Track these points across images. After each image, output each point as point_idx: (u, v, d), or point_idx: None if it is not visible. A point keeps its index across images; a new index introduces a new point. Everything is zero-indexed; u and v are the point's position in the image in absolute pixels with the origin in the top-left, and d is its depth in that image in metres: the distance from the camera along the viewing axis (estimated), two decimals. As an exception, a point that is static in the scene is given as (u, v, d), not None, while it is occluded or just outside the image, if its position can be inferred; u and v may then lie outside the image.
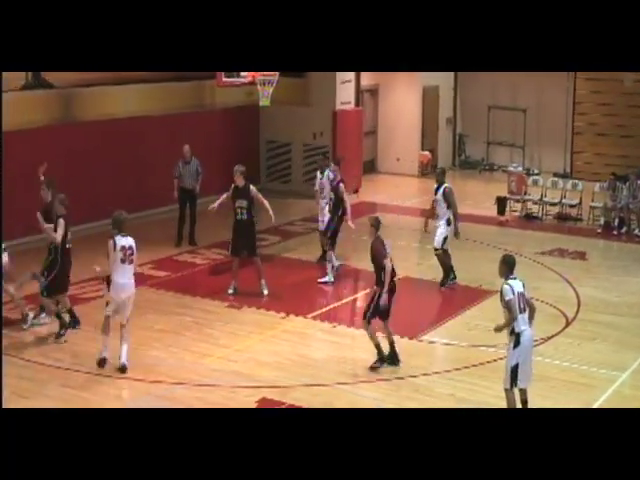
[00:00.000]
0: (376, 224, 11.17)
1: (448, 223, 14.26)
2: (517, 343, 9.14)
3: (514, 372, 9.19)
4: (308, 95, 21.71)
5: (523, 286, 9.30)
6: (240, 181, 13.89)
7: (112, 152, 18.32)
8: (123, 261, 10.88)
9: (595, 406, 10.21)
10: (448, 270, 14.43)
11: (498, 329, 9.23)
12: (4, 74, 16.25)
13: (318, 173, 16.00)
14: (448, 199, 14.33)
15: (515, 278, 9.32)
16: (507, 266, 9.43)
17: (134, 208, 18.48)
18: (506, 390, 9.29)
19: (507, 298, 9.12)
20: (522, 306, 9.16)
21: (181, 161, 17.35)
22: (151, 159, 19.22)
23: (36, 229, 12.46)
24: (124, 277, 10.94)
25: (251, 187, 14.01)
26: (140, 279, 14.64)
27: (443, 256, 14.36)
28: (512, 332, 9.14)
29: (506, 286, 9.20)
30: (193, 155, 17.51)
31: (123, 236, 10.95)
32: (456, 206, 14.44)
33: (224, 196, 14.26)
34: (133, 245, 11.00)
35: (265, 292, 13.88)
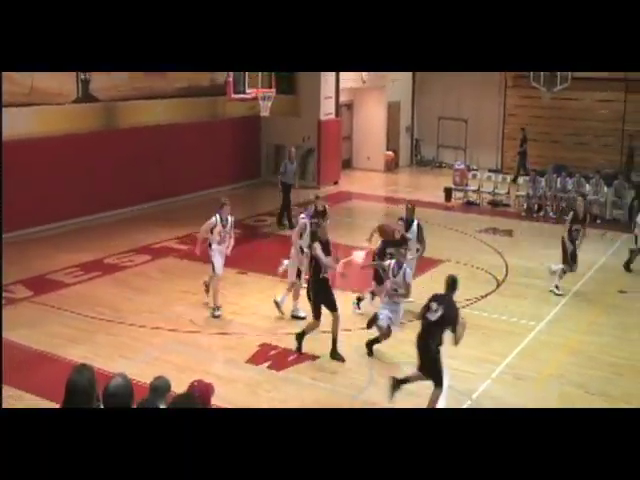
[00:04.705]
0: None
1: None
2: None
3: None
4: (298, 108, 21.59)
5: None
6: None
7: (145, 150, 18.16)
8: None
9: (517, 349, 10.22)
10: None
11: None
12: (59, 90, 16.14)
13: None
14: (420, 234, 11.68)
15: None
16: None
17: (159, 196, 18.49)
18: None
19: None
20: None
21: (287, 161, 17.03)
22: (177, 155, 19.07)
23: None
24: None
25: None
26: (166, 251, 14.66)
27: None
28: None
29: None
30: (294, 156, 17.19)
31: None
32: (425, 241, 11.78)
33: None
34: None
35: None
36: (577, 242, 12.60)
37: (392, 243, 10.86)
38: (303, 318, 10.84)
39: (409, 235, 11.43)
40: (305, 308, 10.52)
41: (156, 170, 18.45)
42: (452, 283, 8.12)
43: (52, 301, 11.60)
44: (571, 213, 12.89)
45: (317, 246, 9.70)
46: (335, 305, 9.71)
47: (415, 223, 11.71)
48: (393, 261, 9.82)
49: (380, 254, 10.92)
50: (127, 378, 4.53)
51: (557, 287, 12.44)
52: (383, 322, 9.65)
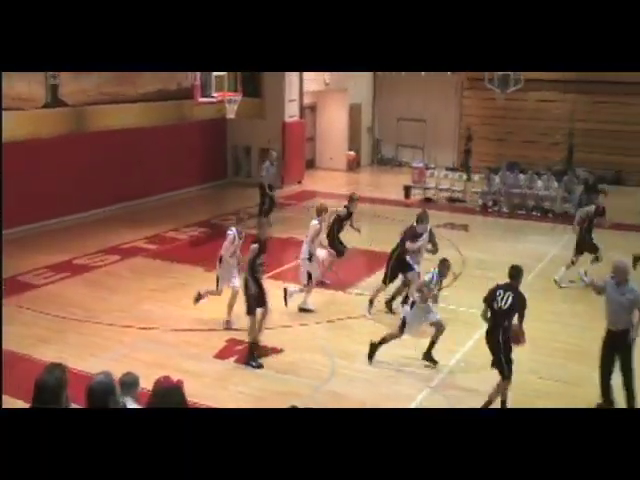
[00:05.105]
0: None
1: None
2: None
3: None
4: (264, 110, 21.60)
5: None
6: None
7: (114, 154, 18.09)
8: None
9: (474, 339, 10.37)
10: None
11: None
12: (29, 96, 15.98)
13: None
14: (432, 239, 11.79)
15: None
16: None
17: (127, 198, 18.43)
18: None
19: None
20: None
21: (268, 163, 17.01)
22: (145, 158, 19.03)
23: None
24: None
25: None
26: (135, 251, 14.66)
27: None
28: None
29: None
30: (274, 159, 17.23)
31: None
32: (437, 244, 11.88)
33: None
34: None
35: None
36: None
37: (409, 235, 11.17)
38: (312, 311, 11.29)
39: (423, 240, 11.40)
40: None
41: (124, 172, 18.39)
42: (517, 272, 8.23)
43: (22, 302, 11.55)
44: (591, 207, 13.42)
45: (255, 247, 9.49)
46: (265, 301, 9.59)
47: (429, 227, 11.71)
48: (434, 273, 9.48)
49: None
50: (110, 376, 4.61)
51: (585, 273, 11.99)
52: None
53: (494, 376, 9.25)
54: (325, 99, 24.99)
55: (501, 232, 16.77)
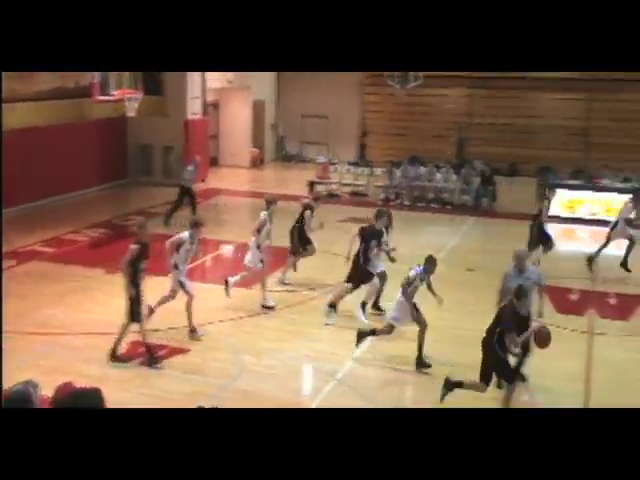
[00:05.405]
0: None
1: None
2: None
3: None
4: (166, 108, 21.25)
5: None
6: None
7: (8, 153, 17.36)
8: None
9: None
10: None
11: None
12: None
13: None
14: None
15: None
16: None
17: (23, 200, 17.74)
18: None
19: None
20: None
21: (190, 166, 16.76)
22: (43, 158, 18.34)
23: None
24: None
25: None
26: (32, 254, 14.13)
27: None
28: None
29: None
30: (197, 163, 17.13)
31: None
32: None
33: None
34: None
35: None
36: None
37: (371, 234, 10.79)
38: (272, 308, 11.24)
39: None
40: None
41: (20, 174, 17.67)
42: (519, 293, 7.76)
43: None
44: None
45: (135, 248, 9.21)
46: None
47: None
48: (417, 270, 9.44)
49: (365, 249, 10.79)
50: (29, 385, 4.46)
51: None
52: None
53: (400, 365, 9.47)
54: (228, 96, 24.85)
55: (403, 224, 17.01)
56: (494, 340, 7.79)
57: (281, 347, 9.99)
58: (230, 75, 23.48)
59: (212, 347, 9.97)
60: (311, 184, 20.69)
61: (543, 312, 9.01)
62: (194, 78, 21.52)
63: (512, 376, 7.97)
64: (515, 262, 8.89)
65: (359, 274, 10.88)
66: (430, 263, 9.45)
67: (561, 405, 7.89)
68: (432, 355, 9.66)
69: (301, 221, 12.41)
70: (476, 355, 9.69)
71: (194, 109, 21.91)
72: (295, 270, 12.57)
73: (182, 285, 10.04)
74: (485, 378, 7.91)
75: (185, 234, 10.03)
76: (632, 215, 13.74)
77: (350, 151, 25.29)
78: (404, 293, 9.36)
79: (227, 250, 15.02)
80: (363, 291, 11.05)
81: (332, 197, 20.41)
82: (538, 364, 8.94)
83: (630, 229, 13.55)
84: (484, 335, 7.98)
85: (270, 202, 11.53)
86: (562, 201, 18.57)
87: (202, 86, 22.11)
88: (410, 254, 12.05)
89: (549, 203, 14.95)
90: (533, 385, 8.89)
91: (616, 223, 13.66)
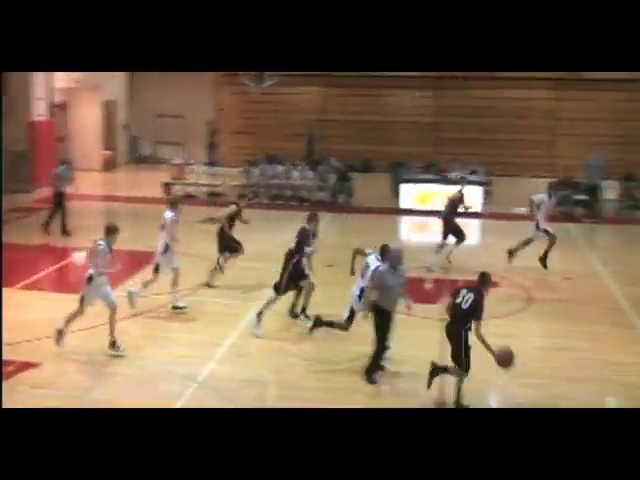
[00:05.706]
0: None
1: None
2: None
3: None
4: (7, 109, 20.04)
5: None
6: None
7: None
8: None
9: (238, 329, 10.42)
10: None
11: None
12: None
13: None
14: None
15: None
16: None
17: None
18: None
19: None
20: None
21: (61, 170, 16.22)
22: None
23: None
24: None
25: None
26: None
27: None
28: None
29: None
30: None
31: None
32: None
33: None
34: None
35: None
36: None
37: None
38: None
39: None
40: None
41: None
42: (484, 278, 8.27)
43: None
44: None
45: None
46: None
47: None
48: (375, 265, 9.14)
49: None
50: None
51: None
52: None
53: (259, 363, 9.40)
54: (77, 97, 23.93)
55: (262, 223, 16.98)
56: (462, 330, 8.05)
57: (140, 354, 9.65)
58: (77, 75, 22.51)
59: (64, 359, 9.43)
60: (166, 185, 20.22)
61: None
62: (38, 78, 20.51)
63: (467, 366, 8.11)
64: (390, 260, 8.90)
65: (296, 276, 10.54)
66: (387, 251, 9.08)
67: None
68: (295, 352, 9.67)
69: (227, 222, 12.38)
70: (339, 348, 9.83)
71: (40, 110, 21.01)
72: (222, 272, 12.45)
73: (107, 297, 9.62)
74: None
75: (102, 242, 9.45)
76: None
77: (206, 151, 24.97)
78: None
79: (78, 257, 14.29)
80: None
81: (190, 197, 20.06)
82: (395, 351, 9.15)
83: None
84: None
85: (176, 203, 11.60)
86: (414, 195, 19.20)
87: (47, 86, 21.08)
88: (269, 252, 12.01)
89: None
90: (394, 373, 9.09)
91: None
